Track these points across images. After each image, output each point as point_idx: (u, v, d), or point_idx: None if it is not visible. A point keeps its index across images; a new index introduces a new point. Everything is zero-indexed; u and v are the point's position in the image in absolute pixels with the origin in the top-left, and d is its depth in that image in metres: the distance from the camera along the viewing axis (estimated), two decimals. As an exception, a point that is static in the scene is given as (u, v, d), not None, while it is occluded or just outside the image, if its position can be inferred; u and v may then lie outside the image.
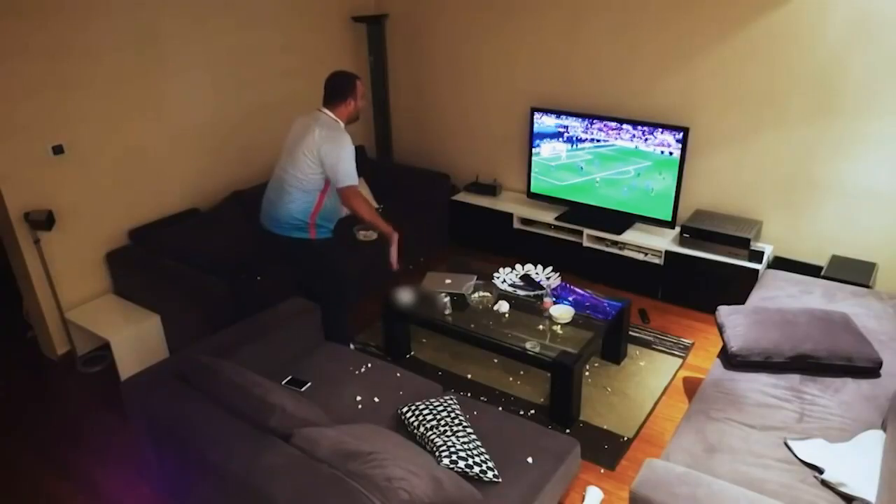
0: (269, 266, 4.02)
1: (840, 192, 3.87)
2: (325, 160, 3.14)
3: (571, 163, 4.60)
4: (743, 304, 3.82)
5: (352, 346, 3.75)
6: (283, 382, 2.96)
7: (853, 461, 2.30)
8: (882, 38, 3.49)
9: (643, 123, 4.21)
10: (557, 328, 3.44)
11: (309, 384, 2.94)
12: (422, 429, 2.53)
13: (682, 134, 4.05)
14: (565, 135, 4.57)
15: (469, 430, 2.54)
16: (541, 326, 3.46)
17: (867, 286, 3.60)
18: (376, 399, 2.85)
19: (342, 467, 2.06)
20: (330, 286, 3.50)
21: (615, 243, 4.47)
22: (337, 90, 3.26)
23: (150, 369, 2.77)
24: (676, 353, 3.83)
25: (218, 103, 4.46)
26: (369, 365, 3.08)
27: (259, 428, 2.31)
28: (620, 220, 4.50)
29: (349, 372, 3.03)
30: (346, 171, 3.15)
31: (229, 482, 2.21)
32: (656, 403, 3.43)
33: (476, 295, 3.62)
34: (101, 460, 3.22)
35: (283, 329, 3.11)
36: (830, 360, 2.82)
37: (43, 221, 3.53)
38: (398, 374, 3.03)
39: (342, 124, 3.28)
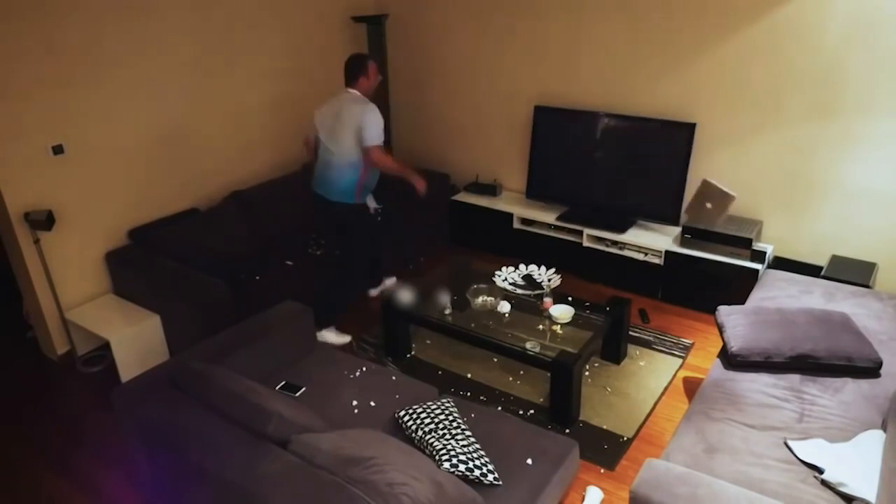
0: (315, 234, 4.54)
1: (840, 192, 3.87)
2: (360, 125, 3.62)
3: (573, 162, 4.60)
4: (743, 304, 3.82)
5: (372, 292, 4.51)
6: (277, 388, 2.94)
7: (853, 461, 2.30)
8: (883, 37, 3.49)
9: (646, 120, 4.21)
10: (557, 328, 3.44)
11: (303, 389, 2.93)
12: (420, 433, 2.53)
13: (689, 130, 4.05)
14: (568, 133, 4.57)
15: (468, 432, 2.54)
16: (541, 326, 3.46)
17: (867, 286, 3.60)
18: (372, 403, 2.84)
19: (342, 473, 2.05)
20: (362, 239, 3.99)
21: (615, 243, 4.47)
22: (355, 70, 3.75)
23: (142, 377, 2.74)
24: (676, 353, 3.83)
25: (218, 103, 4.46)
26: (364, 369, 3.07)
27: (256, 435, 2.30)
28: (622, 219, 4.50)
29: (343, 376, 3.02)
30: (372, 132, 3.63)
31: (227, 491, 2.19)
32: (656, 403, 3.43)
33: (480, 299, 3.62)
34: (101, 460, 3.22)
35: (276, 333, 3.08)
36: (830, 360, 2.82)
37: (43, 221, 3.53)
38: (393, 378, 3.02)
39: (365, 98, 3.77)
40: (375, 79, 3.82)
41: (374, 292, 4.56)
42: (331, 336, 4.04)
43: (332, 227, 4.05)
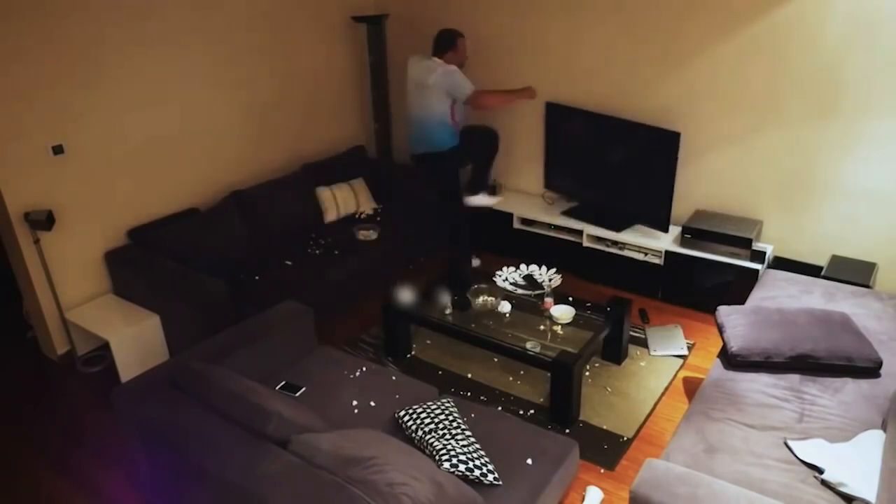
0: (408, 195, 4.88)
1: (840, 192, 3.87)
2: (449, 90, 4.14)
3: (577, 161, 4.61)
4: (743, 304, 3.82)
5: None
6: (277, 388, 2.94)
7: (853, 461, 2.30)
8: (883, 37, 3.49)
9: (640, 125, 4.21)
10: (558, 328, 3.44)
11: (303, 389, 2.93)
12: (420, 433, 2.53)
13: (673, 139, 4.03)
14: (571, 132, 4.58)
15: (468, 433, 2.54)
16: (541, 326, 3.46)
17: (867, 286, 3.60)
18: (372, 403, 2.84)
19: (342, 473, 2.05)
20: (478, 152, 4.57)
21: (615, 243, 4.47)
22: (443, 44, 4.18)
23: (142, 377, 2.74)
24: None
25: (218, 103, 4.46)
26: (364, 369, 3.07)
27: (256, 435, 2.30)
28: (623, 219, 4.50)
29: (343, 376, 3.02)
30: (463, 85, 4.14)
31: (227, 491, 2.20)
32: (656, 403, 3.43)
33: (480, 299, 3.62)
34: (101, 460, 3.22)
35: (276, 333, 3.09)
36: (830, 360, 2.82)
37: (43, 221, 3.53)
38: (393, 378, 3.02)
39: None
40: (463, 54, 4.25)
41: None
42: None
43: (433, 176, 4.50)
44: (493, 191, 4.99)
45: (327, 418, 2.74)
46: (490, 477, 2.35)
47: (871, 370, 2.82)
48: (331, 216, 4.78)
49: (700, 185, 4.34)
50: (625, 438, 3.20)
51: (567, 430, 3.25)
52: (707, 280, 4.13)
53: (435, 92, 4.13)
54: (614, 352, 3.70)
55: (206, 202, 4.52)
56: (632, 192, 4.39)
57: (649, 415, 3.36)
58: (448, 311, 3.59)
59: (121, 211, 4.06)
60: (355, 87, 5.46)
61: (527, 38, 4.71)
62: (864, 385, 2.77)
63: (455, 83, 4.12)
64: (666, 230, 4.26)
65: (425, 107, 4.20)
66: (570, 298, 3.66)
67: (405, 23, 5.27)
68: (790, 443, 2.46)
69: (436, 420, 2.58)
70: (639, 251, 4.39)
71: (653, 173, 4.22)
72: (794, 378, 2.83)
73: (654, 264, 4.30)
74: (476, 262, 4.87)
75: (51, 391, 3.76)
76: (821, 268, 4.00)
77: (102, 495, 3.02)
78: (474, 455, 2.39)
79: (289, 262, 4.22)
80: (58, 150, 3.70)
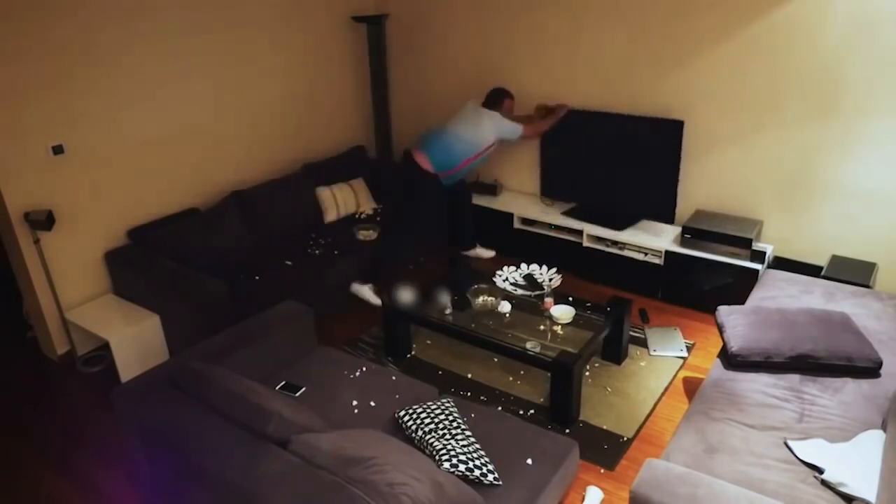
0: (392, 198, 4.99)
1: (840, 192, 3.87)
2: (501, 135, 4.35)
3: (577, 160, 4.61)
4: (743, 304, 3.82)
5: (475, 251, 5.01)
6: (277, 388, 2.94)
7: (853, 461, 2.30)
8: (883, 37, 3.49)
9: (643, 118, 4.21)
10: (558, 328, 3.44)
11: (303, 389, 2.93)
12: (420, 433, 2.53)
13: (677, 128, 4.07)
14: (571, 132, 4.58)
15: (468, 432, 2.54)
16: (541, 326, 3.46)
17: (867, 286, 3.60)
18: (372, 403, 2.84)
19: (342, 473, 2.05)
20: (430, 206, 4.59)
21: (615, 243, 4.47)
22: (493, 99, 4.41)
23: (142, 377, 2.74)
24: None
25: (218, 103, 4.46)
26: (364, 369, 3.07)
27: (256, 435, 2.30)
28: (626, 216, 4.51)
29: (344, 376, 3.02)
30: (512, 130, 4.35)
31: (227, 491, 2.19)
32: (656, 403, 3.43)
33: (480, 299, 3.62)
34: (101, 460, 3.22)
35: (276, 333, 3.09)
36: (830, 360, 2.82)
37: (43, 221, 3.53)
38: (393, 378, 3.02)
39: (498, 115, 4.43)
40: (510, 112, 4.46)
41: (484, 253, 5.04)
42: (365, 292, 4.40)
43: (406, 190, 4.52)
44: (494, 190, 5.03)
45: (327, 418, 2.74)
46: (490, 477, 2.35)
47: (871, 370, 2.82)
48: (331, 216, 4.79)
49: (700, 185, 4.34)
50: (625, 438, 3.20)
51: (567, 430, 3.25)
52: (707, 280, 4.13)
53: (482, 133, 4.29)
54: (614, 352, 3.70)
55: (206, 202, 4.52)
56: (635, 187, 4.40)
57: (649, 415, 3.36)
58: (448, 311, 3.59)
59: (121, 211, 4.06)
60: (355, 88, 5.46)
61: (527, 37, 4.71)
62: (864, 385, 2.77)
63: (504, 129, 4.33)
64: (672, 221, 4.27)
65: (457, 133, 4.31)
66: (570, 298, 3.66)
67: (405, 23, 5.27)
68: (790, 443, 2.46)
69: (436, 420, 2.58)
70: (639, 251, 4.39)
71: (657, 165, 4.24)
72: (794, 378, 2.83)
73: (654, 264, 4.30)
74: (491, 254, 5.00)
75: (51, 391, 3.76)
76: (821, 268, 4.00)
77: (102, 495, 3.02)
78: (474, 455, 2.39)
79: (289, 262, 4.22)
80: (58, 150, 3.70)
